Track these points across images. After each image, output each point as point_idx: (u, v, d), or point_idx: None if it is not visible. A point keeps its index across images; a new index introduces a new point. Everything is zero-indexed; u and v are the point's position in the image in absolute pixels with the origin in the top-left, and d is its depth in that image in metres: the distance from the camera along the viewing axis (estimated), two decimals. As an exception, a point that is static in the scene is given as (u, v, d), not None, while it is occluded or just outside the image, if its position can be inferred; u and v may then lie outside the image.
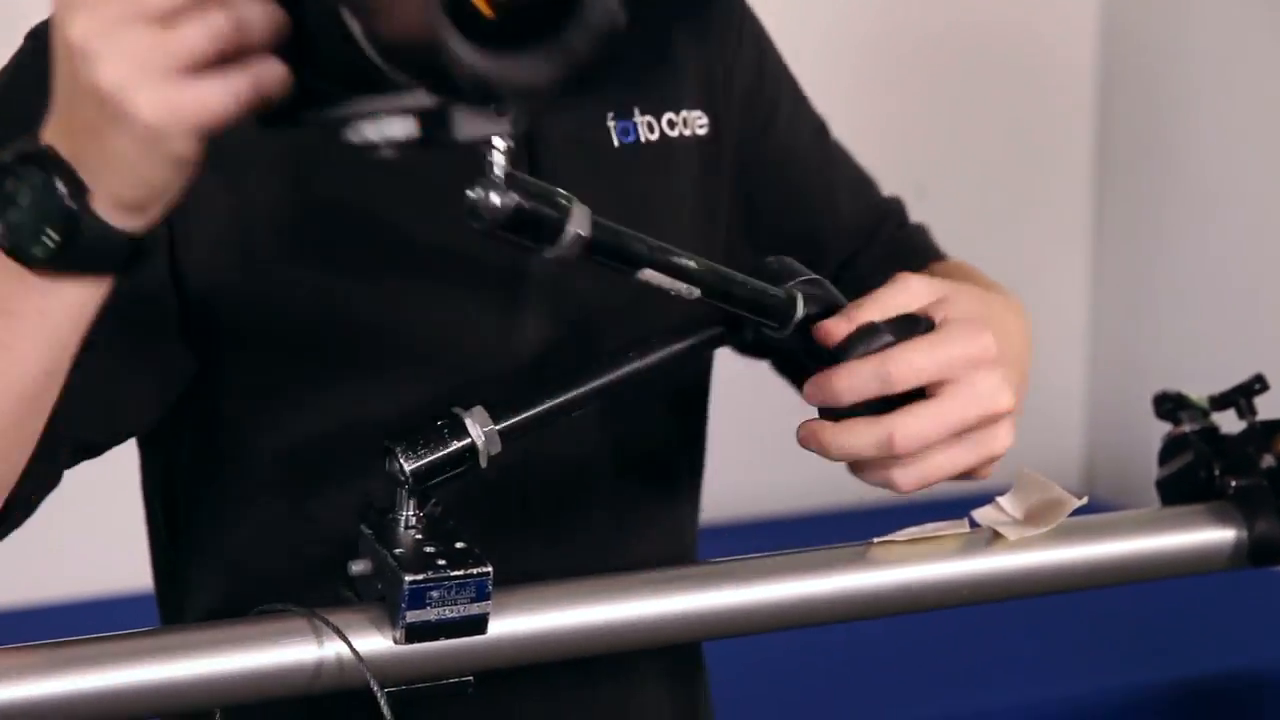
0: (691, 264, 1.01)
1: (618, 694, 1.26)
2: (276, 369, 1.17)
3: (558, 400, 1.04)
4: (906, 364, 1.04)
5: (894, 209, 1.44)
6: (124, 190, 0.87)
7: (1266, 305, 2.97)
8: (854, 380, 1.03)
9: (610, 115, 1.24)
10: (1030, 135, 3.34)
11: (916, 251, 1.39)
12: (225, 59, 0.84)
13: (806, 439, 1.06)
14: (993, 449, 1.08)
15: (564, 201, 0.94)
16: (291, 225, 1.15)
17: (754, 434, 2.49)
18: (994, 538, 1.12)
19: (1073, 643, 2.57)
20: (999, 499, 1.13)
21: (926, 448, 1.05)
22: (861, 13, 3.17)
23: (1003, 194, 3.32)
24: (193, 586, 1.25)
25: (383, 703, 0.92)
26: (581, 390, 1.04)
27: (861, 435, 1.03)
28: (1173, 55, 3.20)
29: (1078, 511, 1.13)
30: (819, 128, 1.41)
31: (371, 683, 0.93)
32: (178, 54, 0.83)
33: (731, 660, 1.35)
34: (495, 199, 0.91)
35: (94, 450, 1.12)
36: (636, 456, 1.26)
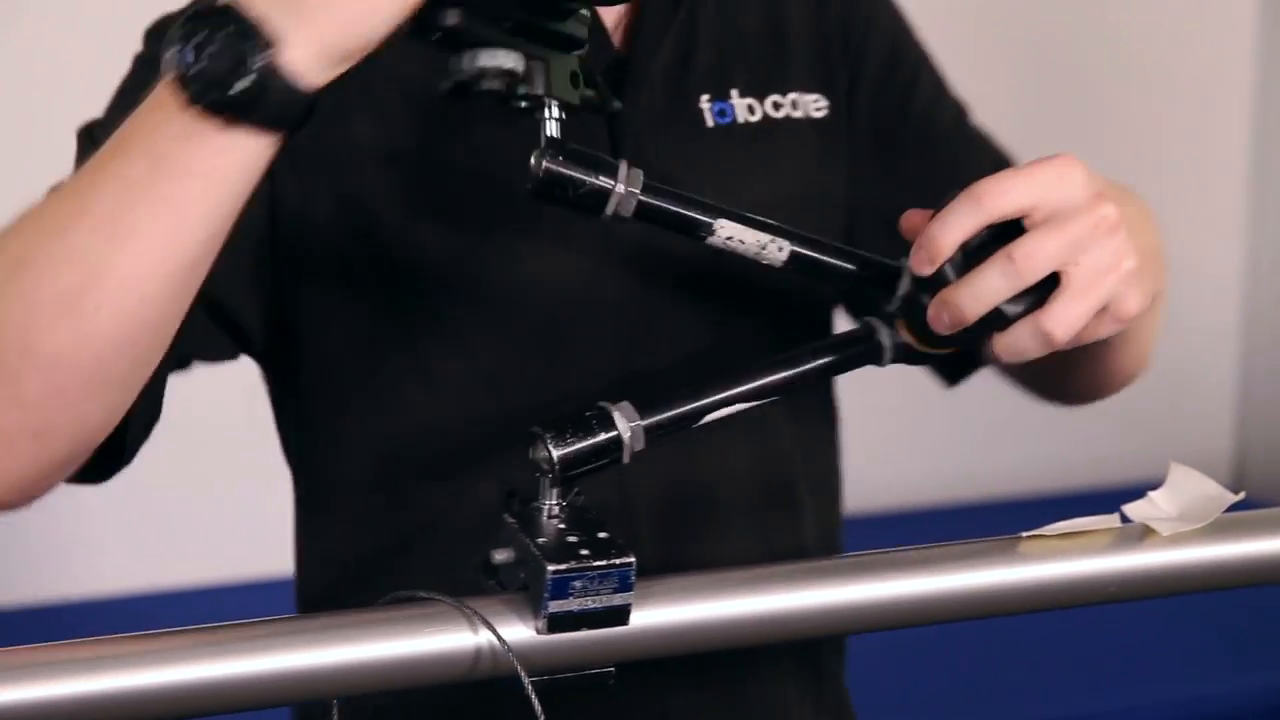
0: (771, 223, 1.02)
1: (761, 690, 1.27)
2: (366, 315, 1.19)
3: (700, 401, 1.04)
4: (993, 190, 0.98)
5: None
6: (335, 32, 0.90)
7: None
8: (948, 221, 0.98)
9: (705, 97, 1.25)
10: (1184, 122, 3.30)
11: None
12: None
13: (938, 316, 1.00)
14: (1119, 261, 1.00)
15: (609, 166, 0.97)
16: (392, 171, 1.18)
17: (889, 427, 2.48)
18: (1146, 533, 1.11)
19: (1227, 641, 2.54)
20: (1151, 494, 1.12)
21: (1067, 276, 0.98)
22: (994, 17, 3.15)
23: (1155, 180, 3.27)
24: (324, 591, 1.27)
25: (531, 692, 0.93)
26: (723, 394, 1.04)
27: (986, 274, 0.97)
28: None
29: (1233, 507, 1.12)
30: (959, 110, 1.40)
31: (520, 672, 0.93)
32: None
33: (870, 655, 1.34)
34: (533, 162, 0.97)
35: (183, 364, 1.14)
36: (774, 471, 1.27)
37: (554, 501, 0.98)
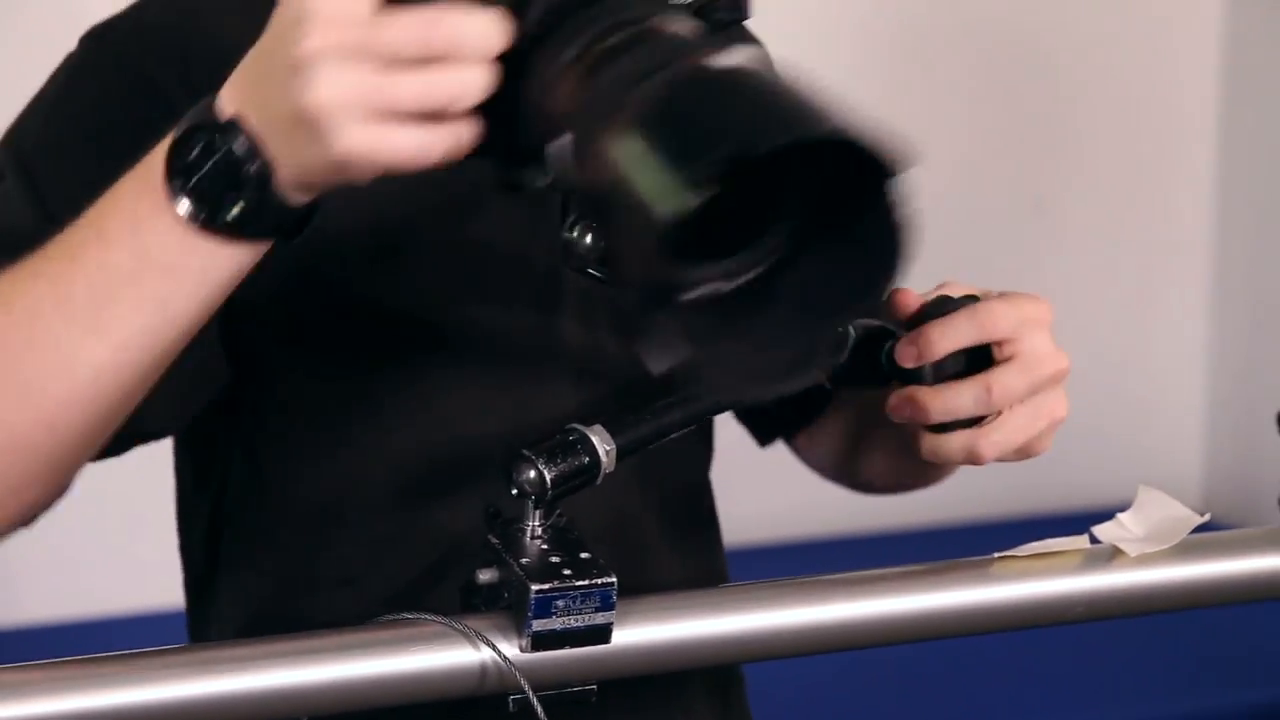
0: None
1: (673, 714, 1.27)
2: (372, 388, 1.17)
3: (661, 421, 1.05)
4: (991, 313, 1.07)
5: None
6: (296, 177, 0.89)
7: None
8: (949, 331, 1.06)
9: None
10: (1150, 150, 3.31)
11: None
12: (432, 115, 0.86)
13: (900, 406, 1.08)
14: (1055, 412, 1.10)
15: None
16: (354, 225, 1.15)
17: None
18: (1115, 553, 1.12)
19: (1193, 660, 2.55)
20: (1120, 515, 1.13)
21: (1010, 408, 1.07)
22: (980, 31, 3.16)
23: (1121, 208, 3.29)
24: (224, 603, 1.24)
25: (537, 706, 0.94)
26: (679, 415, 1.05)
27: (962, 391, 1.06)
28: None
29: (1199, 529, 1.13)
30: None
31: (525, 686, 0.94)
32: (393, 101, 0.85)
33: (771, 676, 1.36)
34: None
35: (116, 448, 1.10)
36: (673, 486, 1.27)
37: (537, 523, 0.98)
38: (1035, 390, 1.08)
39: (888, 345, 1.09)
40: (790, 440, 1.39)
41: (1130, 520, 1.13)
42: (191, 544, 1.27)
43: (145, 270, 0.91)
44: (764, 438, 1.40)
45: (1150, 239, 3.33)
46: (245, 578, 1.23)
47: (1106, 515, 1.13)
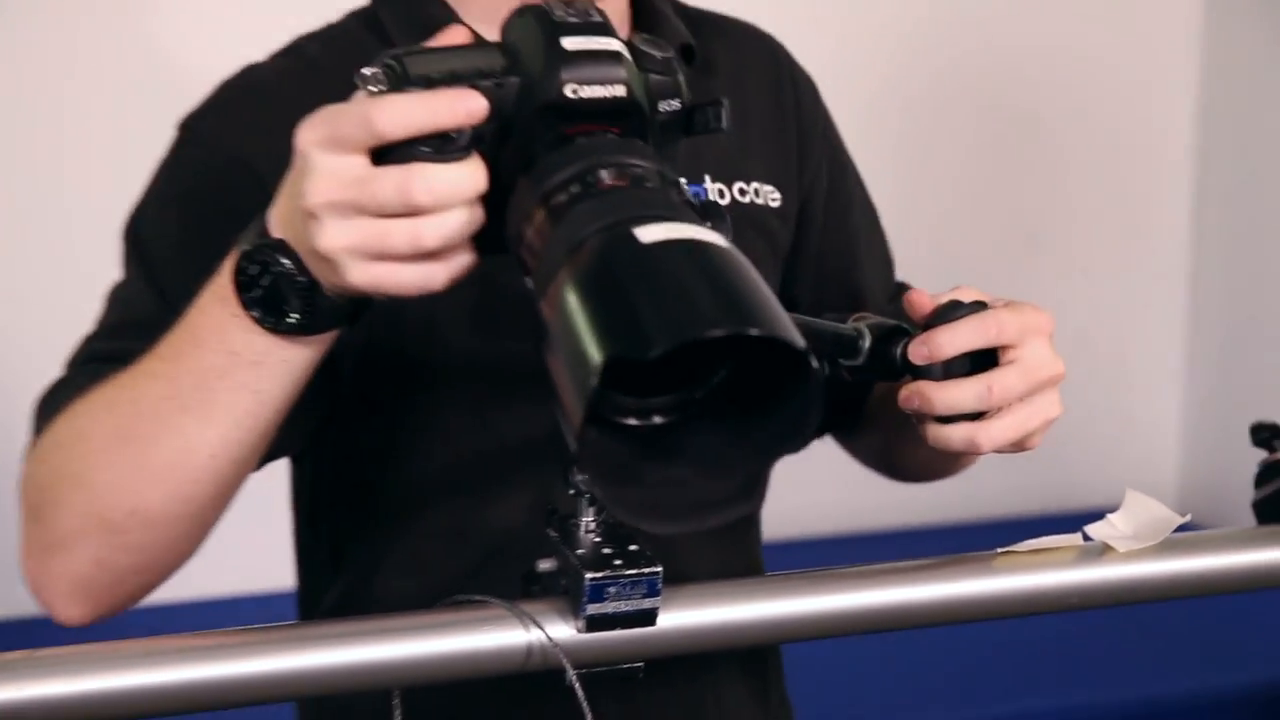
0: None
1: (718, 690, 1.26)
2: (435, 408, 1.17)
3: None
4: (996, 321, 1.06)
5: (899, 285, 1.43)
6: (336, 291, 0.90)
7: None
8: (957, 335, 1.06)
9: (683, 180, 1.23)
10: (1130, 193, 3.30)
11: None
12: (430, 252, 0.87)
13: (909, 398, 1.07)
14: (1049, 412, 1.09)
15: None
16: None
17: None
18: (1105, 550, 1.11)
19: (1176, 646, 2.54)
20: (1110, 516, 1.12)
21: (1008, 405, 1.07)
22: (982, 95, 3.15)
23: (1105, 243, 3.28)
24: (331, 583, 1.24)
25: (577, 685, 0.93)
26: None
27: (965, 388, 1.06)
28: (1270, 111, 3.15)
29: (1181, 528, 1.12)
30: (872, 213, 1.42)
31: (567, 667, 0.93)
32: (387, 248, 0.86)
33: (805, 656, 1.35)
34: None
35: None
36: None
37: (591, 518, 0.98)
38: (1033, 391, 1.07)
39: (902, 343, 1.07)
40: (837, 436, 1.38)
41: (1119, 520, 1.12)
42: (300, 538, 1.28)
43: (236, 367, 0.94)
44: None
45: (1131, 270, 3.32)
46: (339, 564, 1.24)
47: (1097, 515, 1.12)
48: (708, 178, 1.24)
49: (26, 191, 2.52)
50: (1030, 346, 1.07)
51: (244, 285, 0.92)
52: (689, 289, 0.79)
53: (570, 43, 0.88)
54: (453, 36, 0.90)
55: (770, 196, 1.27)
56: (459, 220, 0.86)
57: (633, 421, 0.86)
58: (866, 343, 1.08)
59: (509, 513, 1.14)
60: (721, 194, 1.24)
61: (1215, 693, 2.46)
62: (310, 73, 1.16)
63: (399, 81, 0.86)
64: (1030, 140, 3.19)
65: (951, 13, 3.09)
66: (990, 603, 1.08)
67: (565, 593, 0.96)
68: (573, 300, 0.80)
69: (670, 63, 0.93)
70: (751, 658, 1.29)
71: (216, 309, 0.94)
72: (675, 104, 0.94)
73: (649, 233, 0.81)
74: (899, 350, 1.07)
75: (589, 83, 0.88)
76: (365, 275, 0.87)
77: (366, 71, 0.86)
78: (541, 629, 0.94)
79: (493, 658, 0.94)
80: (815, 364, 0.80)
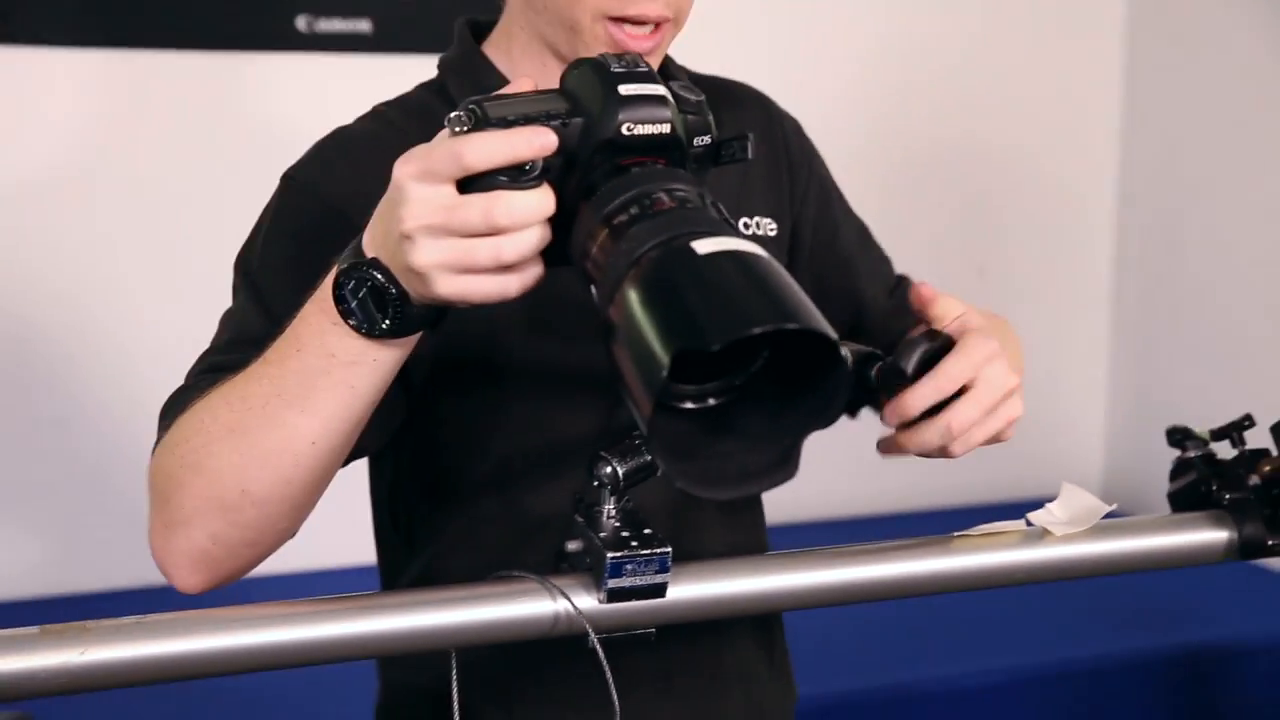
0: None
1: (731, 647, 1.27)
2: (493, 409, 1.18)
3: None
4: (948, 377, 1.05)
5: (899, 278, 1.43)
6: (422, 301, 0.91)
7: (1254, 360, 2.91)
8: (918, 398, 1.05)
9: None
10: (1063, 231, 3.31)
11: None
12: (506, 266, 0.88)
13: (889, 449, 1.08)
14: (1011, 414, 1.08)
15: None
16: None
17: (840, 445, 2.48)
18: (1044, 534, 1.11)
19: (1106, 615, 2.55)
20: (1048, 505, 1.12)
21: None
22: (942, 151, 3.16)
23: (1041, 271, 3.29)
24: (407, 561, 1.25)
25: (598, 647, 0.95)
26: None
27: (931, 431, 1.05)
28: (1188, 163, 3.15)
29: (1108, 515, 1.13)
30: (861, 229, 1.41)
31: (590, 631, 0.95)
32: (471, 263, 0.88)
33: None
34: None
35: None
36: None
37: (612, 506, 0.99)
38: (990, 410, 1.06)
39: (874, 366, 1.07)
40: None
41: (1056, 508, 1.13)
42: (379, 523, 1.29)
43: (333, 367, 0.95)
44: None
45: (1063, 296, 3.33)
46: (411, 544, 1.25)
47: (1036, 504, 1.13)
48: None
49: (153, 234, 2.55)
50: (983, 374, 1.06)
51: (342, 298, 0.93)
52: (739, 291, 0.81)
53: (625, 88, 0.90)
54: (520, 85, 0.92)
55: (769, 228, 1.28)
56: (533, 238, 0.88)
57: (690, 405, 0.88)
58: (846, 354, 1.07)
59: (552, 499, 1.15)
60: None
61: (1136, 654, 2.46)
62: (390, 131, 1.18)
63: (480, 122, 0.88)
64: (980, 192, 3.20)
65: (907, 76, 3.10)
66: (949, 578, 1.09)
67: (590, 569, 0.97)
68: (639, 304, 0.82)
69: (702, 105, 0.96)
70: (758, 619, 1.30)
71: (317, 318, 0.95)
72: (707, 139, 0.96)
73: (702, 245, 0.83)
74: (871, 373, 1.08)
75: (641, 122, 0.90)
76: (452, 286, 0.88)
77: (453, 114, 0.88)
78: (569, 599, 0.95)
79: (528, 624, 0.96)
80: (844, 353, 0.82)
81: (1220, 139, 3.02)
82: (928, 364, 1.05)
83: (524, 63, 1.19)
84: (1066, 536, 1.11)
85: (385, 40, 2.58)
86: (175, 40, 2.49)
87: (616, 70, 0.91)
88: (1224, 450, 1.21)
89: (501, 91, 0.91)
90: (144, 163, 2.52)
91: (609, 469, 0.98)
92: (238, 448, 0.98)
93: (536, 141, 0.87)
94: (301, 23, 2.54)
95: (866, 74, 3.05)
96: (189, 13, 2.48)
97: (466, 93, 1.17)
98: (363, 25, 2.57)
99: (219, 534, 1.01)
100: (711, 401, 0.88)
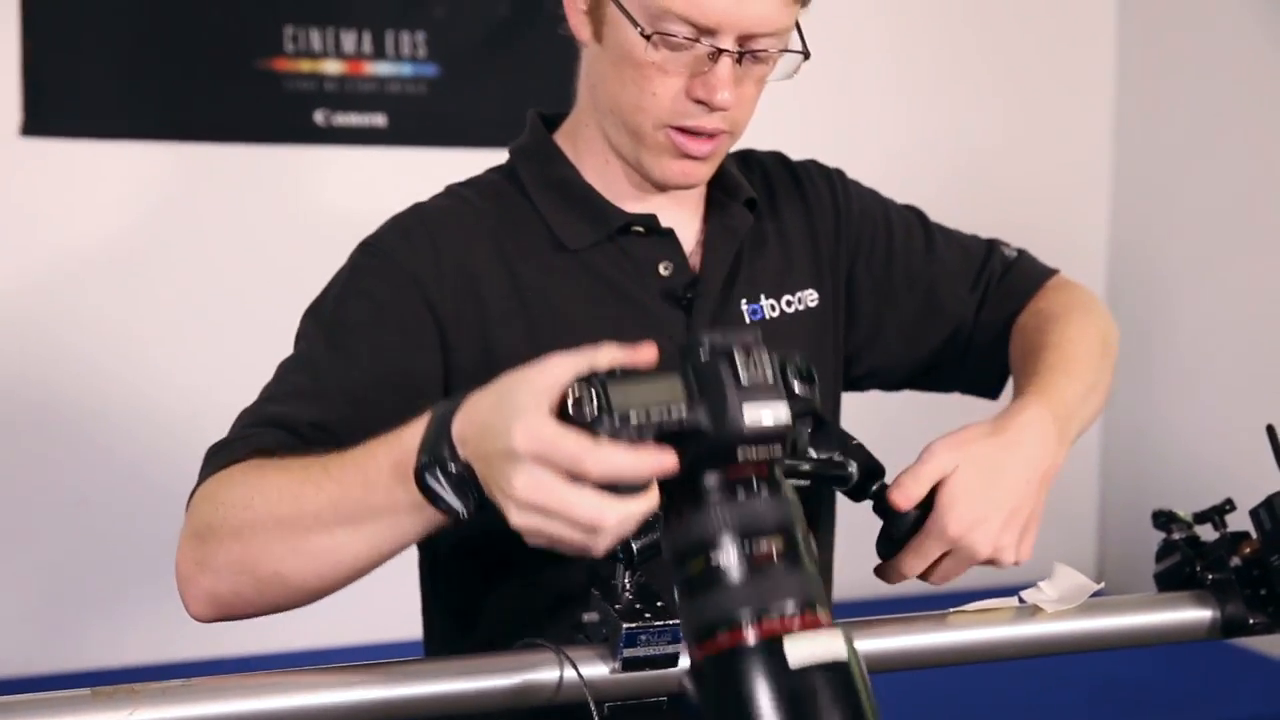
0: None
1: None
2: None
3: None
4: (935, 545, 1.10)
5: (991, 250, 1.42)
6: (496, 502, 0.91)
7: (1233, 447, 2.93)
8: (910, 566, 1.12)
9: (744, 301, 1.27)
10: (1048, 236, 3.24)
11: (1014, 296, 1.39)
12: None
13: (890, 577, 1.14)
14: (974, 562, 1.13)
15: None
16: (519, 332, 1.19)
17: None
18: (1036, 610, 1.14)
19: (1093, 690, 2.55)
20: (1040, 583, 1.15)
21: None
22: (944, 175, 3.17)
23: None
24: (446, 632, 1.28)
25: (594, 713, 0.97)
26: None
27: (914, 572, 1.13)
28: (1174, 236, 3.19)
29: (1097, 594, 1.15)
30: (914, 223, 1.41)
31: (589, 700, 0.97)
32: (549, 506, 0.85)
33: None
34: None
35: None
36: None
37: (627, 580, 1.00)
38: (970, 564, 1.12)
39: (878, 484, 1.12)
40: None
41: (1047, 586, 1.15)
42: (425, 597, 1.32)
43: (394, 512, 0.95)
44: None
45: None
46: (446, 610, 1.28)
47: (1032, 584, 1.15)
48: (762, 295, 1.28)
49: (183, 314, 2.60)
50: (966, 540, 1.10)
51: (421, 477, 0.92)
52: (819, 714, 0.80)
53: (750, 412, 0.84)
54: (646, 355, 0.88)
55: (810, 299, 1.30)
56: (623, 532, 0.87)
57: None
58: (854, 476, 1.11)
59: (574, 574, 1.15)
60: (773, 307, 1.28)
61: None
62: (466, 209, 1.21)
63: (602, 411, 0.84)
64: (980, 214, 3.16)
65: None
66: (945, 652, 1.11)
67: (605, 639, 0.99)
68: (722, 699, 0.81)
69: (810, 399, 0.97)
70: None
71: (391, 471, 0.94)
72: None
73: (795, 649, 0.80)
74: (872, 490, 1.12)
75: (758, 446, 0.85)
76: (531, 523, 0.86)
77: (577, 393, 0.85)
78: (575, 668, 0.97)
79: (538, 690, 0.98)
80: None
81: (1209, 230, 3.06)
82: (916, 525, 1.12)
83: (589, 157, 1.24)
84: (1058, 614, 1.13)
85: (400, 134, 2.66)
86: (201, 133, 2.56)
87: (744, 383, 0.85)
88: (1207, 533, 1.23)
89: (624, 364, 0.87)
90: (174, 247, 2.59)
91: (623, 545, 0.99)
92: (283, 539, 0.99)
93: (658, 466, 0.83)
94: (319, 117, 2.62)
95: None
96: (215, 107, 2.57)
97: (538, 185, 1.23)
98: (378, 120, 2.65)
99: (244, 593, 1.03)
100: None
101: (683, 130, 1.17)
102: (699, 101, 1.15)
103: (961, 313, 1.39)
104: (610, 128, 1.21)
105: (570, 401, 0.85)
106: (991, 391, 1.42)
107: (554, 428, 0.84)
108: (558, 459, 0.84)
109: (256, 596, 1.03)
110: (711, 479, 0.85)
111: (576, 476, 0.84)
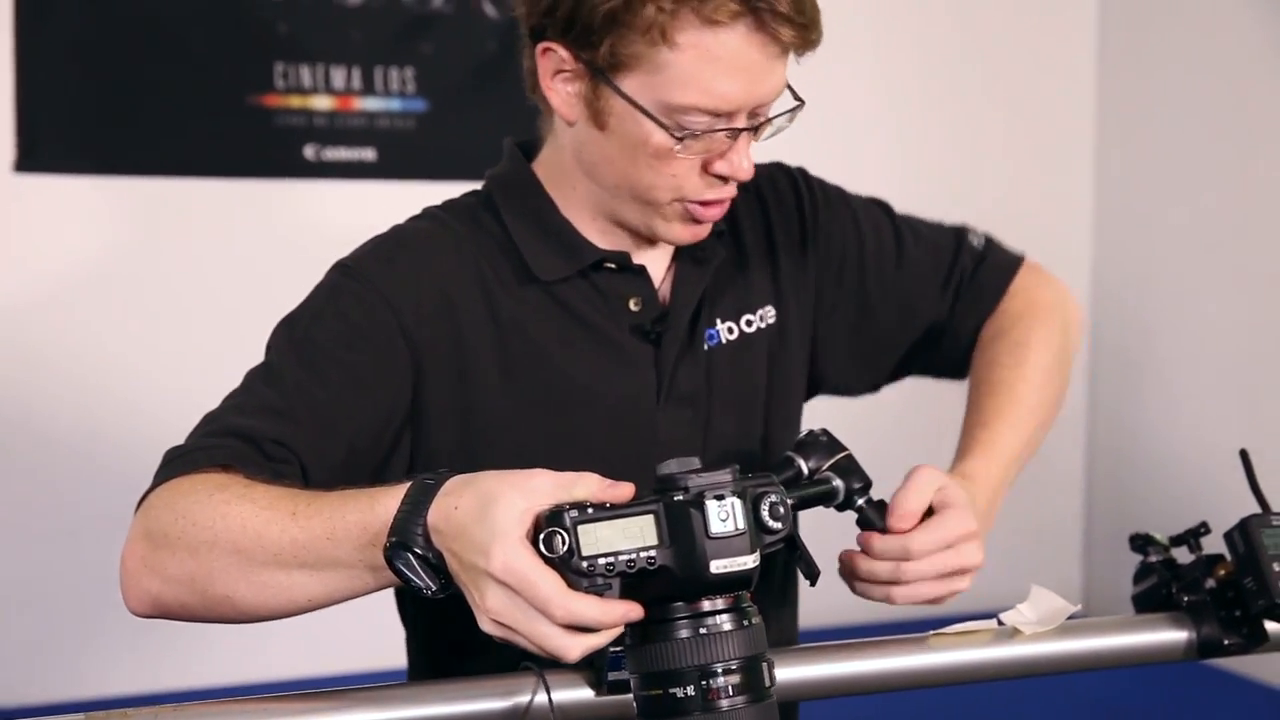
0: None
1: None
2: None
3: None
4: (920, 549, 1.12)
5: (960, 244, 1.42)
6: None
7: (1220, 469, 2.93)
8: (905, 592, 1.13)
9: (705, 328, 1.27)
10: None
11: (985, 296, 1.41)
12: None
13: (842, 567, 1.14)
14: (954, 587, 1.14)
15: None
16: (500, 375, 1.19)
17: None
18: (1015, 632, 1.14)
19: (1071, 709, 2.55)
20: (1019, 606, 1.15)
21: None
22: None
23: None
24: (430, 657, 1.29)
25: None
26: None
27: (879, 567, 1.12)
28: (1156, 269, 3.21)
29: (1074, 616, 1.15)
30: (882, 224, 1.40)
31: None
32: (518, 629, 0.88)
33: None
34: None
35: None
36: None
37: None
38: (941, 575, 1.13)
39: (859, 501, 1.13)
40: None
41: (1026, 608, 1.15)
42: (408, 628, 1.32)
43: (354, 568, 0.96)
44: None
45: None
46: (429, 634, 1.28)
47: (1008, 606, 1.16)
48: (718, 320, 1.28)
49: (167, 347, 2.61)
50: (967, 543, 1.12)
51: (393, 558, 0.92)
52: None
53: (717, 565, 0.88)
54: (622, 493, 0.90)
55: (769, 316, 1.30)
56: (594, 649, 0.89)
57: None
58: (840, 494, 1.13)
59: None
60: (730, 330, 1.28)
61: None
62: (445, 232, 1.22)
63: (572, 553, 0.87)
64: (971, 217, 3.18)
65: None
66: (926, 674, 1.12)
67: (591, 664, 1.00)
68: None
69: (784, 531, 0.95)
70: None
71: (360, 532, 0.95)
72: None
73: None
74: (855, 504, 1.13)
75: (726, 574, 0.89)
76: (497, 633, 0.90)
77: (550, 525, 0.87)
78: (548, 692, 0.98)
79: (523, 714, 0.98)
80: None
81: (1192, 257, 3.06)
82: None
83: (583, 213, 1.22)
84: (1035, 635, 1.14)
85: (389, 168, 2.68)
86: (193, 169, 2.58)
87: (709, 519, 0.88)
88: (1184, 556, 1.24)
89: (599, 499, 0.90)
90: (168, 282, 2.60)
91: None
92: (240, 568, 0.99)
93: (623, 618, 0.88)
94: (309, 151, 2.64)
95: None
96: (207, 143, 2.58)
97: (515, 214, 1.23)
98: (368, 154, 2.67)
99: (189, 605, 1.02)
100: None
101: (701, 202, 1.18)
102: (718, 176, 1.16)
103: (934, 313, 1.40)
104: (614, 199, 1.20)
105: (542, 537, 0.87)
106: (960, 374, 1.43)
107: (528, 562, 0.87)
108: (528, 596, 0.87)
109: (202, 611, 1.02)
110: (675, 612, 0.89)
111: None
